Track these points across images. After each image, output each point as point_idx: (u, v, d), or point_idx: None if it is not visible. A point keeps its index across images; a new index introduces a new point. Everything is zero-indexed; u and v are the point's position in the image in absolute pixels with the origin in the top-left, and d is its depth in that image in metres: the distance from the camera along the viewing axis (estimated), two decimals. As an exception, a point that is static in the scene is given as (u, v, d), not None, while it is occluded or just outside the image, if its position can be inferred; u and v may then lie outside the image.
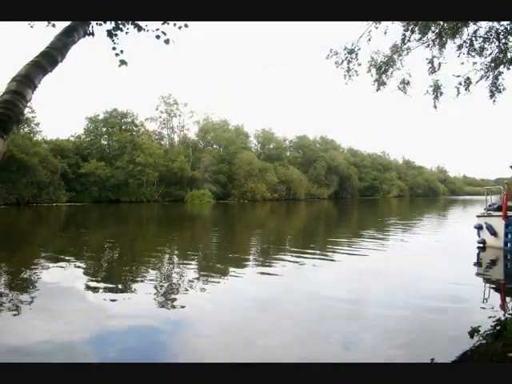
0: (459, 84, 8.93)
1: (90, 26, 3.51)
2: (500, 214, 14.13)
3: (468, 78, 8.91)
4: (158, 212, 41.05)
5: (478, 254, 13.75)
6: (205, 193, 63.51)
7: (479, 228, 15.02)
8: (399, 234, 20.45)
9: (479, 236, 15.03)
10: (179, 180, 64.90)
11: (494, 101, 9.00)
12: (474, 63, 8.77)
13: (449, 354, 5.02)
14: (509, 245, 13.65)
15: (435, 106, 9.27)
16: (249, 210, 48.39)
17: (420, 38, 8.82)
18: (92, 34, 3.57)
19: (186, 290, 8.76)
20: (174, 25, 3.91)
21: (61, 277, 9.80)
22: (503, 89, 8.91)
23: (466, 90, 8.97)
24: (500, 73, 8.78)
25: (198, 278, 9.91)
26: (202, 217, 37.25)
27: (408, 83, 9.34)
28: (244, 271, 10.81)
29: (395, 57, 9.13)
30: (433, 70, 9.03)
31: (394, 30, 8.71)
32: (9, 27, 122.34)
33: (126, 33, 3.94)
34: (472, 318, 6.36)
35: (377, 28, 8.47)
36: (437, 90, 9.15)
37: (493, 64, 8.68)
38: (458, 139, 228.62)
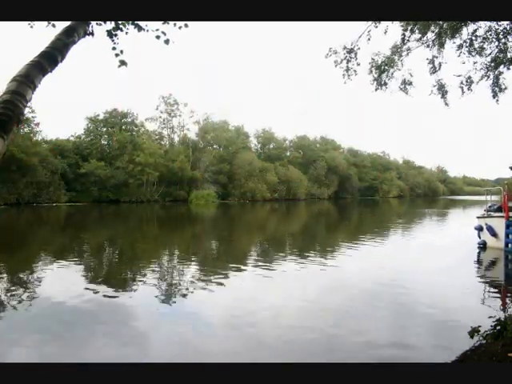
0: (461, 84, 8.92)
1: (90, 25, 3.50)
2: (500, 214, 14.04)
3: (469, 78, 8.89)
4: (168, 213, 40.83)
5: (479, 255, 13.71)
6: (209, 193, 63.47)
7: (479, 229, 14.87)
8: (399, 236, 20.44)
9: (479, 237, 14.91)
10: (179, 180, 64.86)
11: (497, 100, 8.97)
12: (475, 63, 8.76)
13: (449, 354, 5.02)
14: (509, 245, 13.56)
15: (446, 104, 9.22)
16: (254, 210, 48.33)
17: (420, 38, 8.81)
18: (92, 34, 3.56)
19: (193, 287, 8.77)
20: (174, 25, 3.90)
21: (63, 275, 9.80)
22: (505, 88, 8.89)
23: (468, 89, 8.96)
24: (500, 72, 8.77)
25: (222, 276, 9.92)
26: (218, 218, 37.11)
27: (410, 83, 9.33)
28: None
29: (395, 57, 9.11)
30: (434, 70, 9.02)
31: (393, 30, 8.71)
32: (9, 27, 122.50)
33: (126, 33, 3.94)
34: (472, 318, 6.37)
35: (376, 27, 8.45)
36: (441, 88, 9.12)
37: (493, 64, 8.67)
38: (458, 139, 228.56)
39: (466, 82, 8.89)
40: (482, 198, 18.19)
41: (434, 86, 9.15)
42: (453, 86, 9.07)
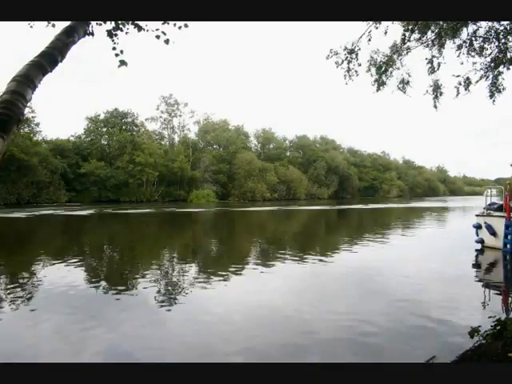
0: (459, 84, 8.92)
1: (90, 25, 3.50)
2: (501, 214, 14.03)
3: (468, 78, 8.89)
4: (175, 213, 40.87)
5: (477, 255, 13.68)
6: (209, 193, 63.69)
7: (478, 227, 14.87)
8: (398, 235, 20.43)
9: (477, 235, 14.91)
10: (179, 180, 64.96)
11: (494, 101, 8.98)
12: (474, 63, 8.75)
13: (449, 354, 5.02)
14: (508, 246, 13.52)
15: (435, 106, 9.26)
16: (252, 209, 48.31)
17: (420, 38, 8.81)
18: (92, 34, 3.56)
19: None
20: (174, 25, 3.90)
21: (65, 274, 9.80)
22: (503, 89, 8.89)
23: (465, 89, 8.95)
24: (500, 73, 8.76)
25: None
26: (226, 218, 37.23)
27: (408, 83, 9.33)
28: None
29: (395, 57, 9.11)
30: (432, 70, 9.02)
31: (394, 30, 8.70)
32: (9, 27, 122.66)
33: (126, 33, 3.94)
34: (472, 318, 6.37)
35: (377, 28, 8.45)
36: (437, 89, 9.13)
37: (492, 64, 8.66)
38: (458, 139, 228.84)
39: (464, 82, 8.89)
40: (482, 197, 18.15)
41: (431, 86, 9.16)
42: (449, 86, 9.07)
